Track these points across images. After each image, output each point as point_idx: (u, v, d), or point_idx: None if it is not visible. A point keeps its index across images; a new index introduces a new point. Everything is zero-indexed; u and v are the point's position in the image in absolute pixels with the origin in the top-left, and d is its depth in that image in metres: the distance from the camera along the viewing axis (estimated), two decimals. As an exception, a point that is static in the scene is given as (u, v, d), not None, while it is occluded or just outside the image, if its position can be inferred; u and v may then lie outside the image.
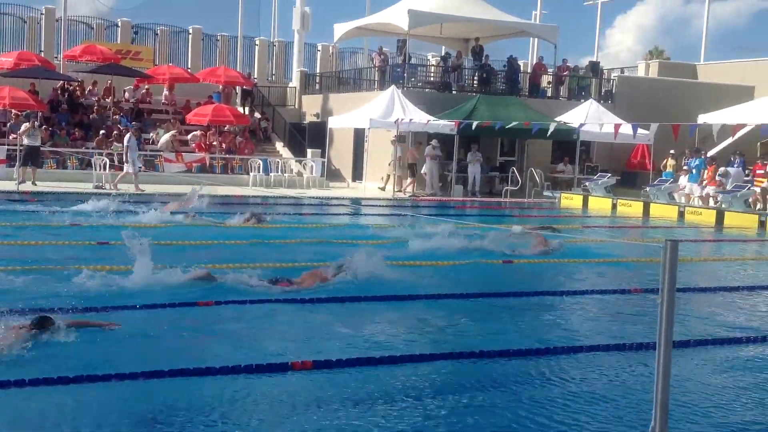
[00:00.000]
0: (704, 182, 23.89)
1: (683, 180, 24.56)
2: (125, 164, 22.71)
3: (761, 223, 19.69)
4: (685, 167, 25.02)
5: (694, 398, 6.26)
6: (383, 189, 26.05)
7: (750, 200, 21.58)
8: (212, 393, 5.91)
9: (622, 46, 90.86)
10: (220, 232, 14.43)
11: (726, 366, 7.32)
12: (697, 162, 24.85)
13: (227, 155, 27.53)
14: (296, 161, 28.69)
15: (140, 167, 23.29)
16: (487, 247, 13.10)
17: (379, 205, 22.51)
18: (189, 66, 34.22)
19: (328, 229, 16.42)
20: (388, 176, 26.03)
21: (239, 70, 33.67)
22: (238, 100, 33.19)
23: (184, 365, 6.33)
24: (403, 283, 9.89)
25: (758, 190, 21.74)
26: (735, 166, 23.95)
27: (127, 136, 23.07)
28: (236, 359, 6.54)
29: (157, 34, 35.09)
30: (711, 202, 22.83)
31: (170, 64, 32.33)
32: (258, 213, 15.96)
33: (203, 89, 31.20)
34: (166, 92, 30.91)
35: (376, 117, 25.34)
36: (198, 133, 28.12)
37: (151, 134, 27.64)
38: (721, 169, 23.52)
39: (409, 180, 26.19)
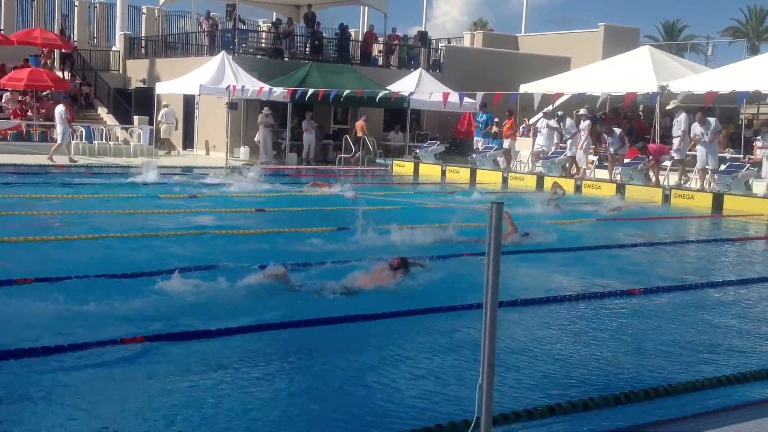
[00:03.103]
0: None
1: (509, 143, 25.45)
2: (59, 136, 22.75)
3: (577, 187, 21.01)
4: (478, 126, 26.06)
5: (521, 354, 6.63)
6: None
7: (566, 165, 22.89)
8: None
9: (448, 17, 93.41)
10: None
11: (549, 322, 7.81)
12: (484, 117, 25.89)
13: (46, 122, 25.98)
14: (122, 129, 27.52)
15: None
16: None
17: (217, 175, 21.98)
18: (2, 27, 31.88)
19: (164, 200, 15.89)
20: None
21: (57, 33, 31.74)
22: (57, 64, 31.34)
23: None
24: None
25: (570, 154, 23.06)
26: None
27: (62, 108, 22.92)
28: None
29: (-36, -8, 32.44)
30: (530, 166, 24.02)
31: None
32: None
33: (18, 52, 29.18)
34: (-25, 55, 28.70)
35: (206, 83, 24.72)
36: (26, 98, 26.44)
37: (-40, 100, 25.67)
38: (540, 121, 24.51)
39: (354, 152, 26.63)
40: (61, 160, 22.03)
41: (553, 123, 23.73)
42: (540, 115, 24.61)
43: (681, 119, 20.33)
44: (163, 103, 26.97)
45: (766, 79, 21.06)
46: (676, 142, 20.43)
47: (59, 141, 22.75)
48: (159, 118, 27.72)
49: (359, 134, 26.76)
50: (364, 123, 26.89)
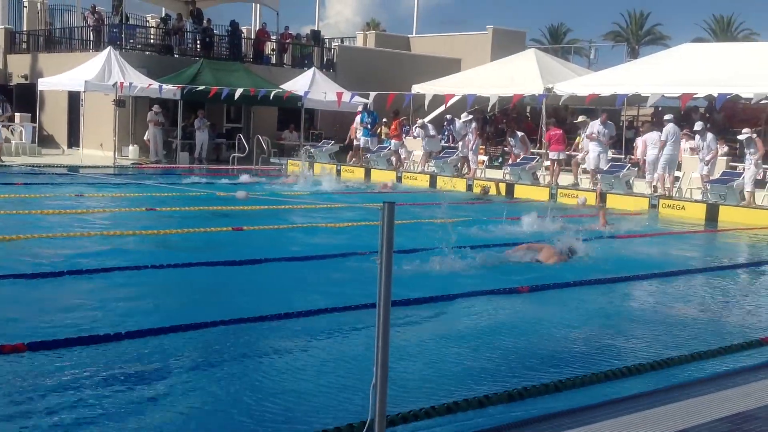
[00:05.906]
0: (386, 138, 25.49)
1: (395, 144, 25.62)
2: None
3: (468, 186, 21.48)
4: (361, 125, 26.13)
5: (415, 353, 6.74)
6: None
7: (458, 165, 23.33)
8: None
9: (341, 16, 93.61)
10: None
11: (444, 321, 7.96)
12: (369, 118, 25.87)
13: None
14: (2, 126, 26.29)
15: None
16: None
17: (109, 174, 21.39)
18: None
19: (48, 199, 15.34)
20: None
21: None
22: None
23: None
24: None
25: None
26: (445, 133, 25.71)
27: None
28: None
29: None
30: (425, 166, 24.36)
31: None
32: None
33: None
34: None
35: (92, 79, 23.96)
36: None
37: None
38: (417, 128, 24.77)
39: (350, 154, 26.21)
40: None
41: (431, 131, 24.21)
42: (418, 123, 24.87)
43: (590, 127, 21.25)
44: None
45: (645, 81, 22.08)
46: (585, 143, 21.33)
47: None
48: None
49: (351, 136, 26.82)
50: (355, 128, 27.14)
